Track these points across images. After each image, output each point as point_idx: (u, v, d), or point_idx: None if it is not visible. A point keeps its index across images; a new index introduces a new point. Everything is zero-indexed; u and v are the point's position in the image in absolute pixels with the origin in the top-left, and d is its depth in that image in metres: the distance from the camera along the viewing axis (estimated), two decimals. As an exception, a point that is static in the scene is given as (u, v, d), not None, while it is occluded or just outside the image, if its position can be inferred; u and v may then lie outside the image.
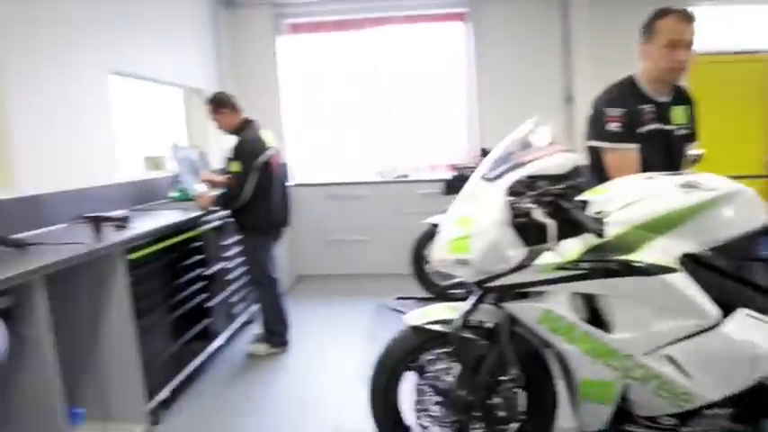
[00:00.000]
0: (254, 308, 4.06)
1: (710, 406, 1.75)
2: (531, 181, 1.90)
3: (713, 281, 1.76)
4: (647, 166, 2.26)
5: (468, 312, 1.90)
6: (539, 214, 1.75)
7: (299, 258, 5.60)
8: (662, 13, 2.29)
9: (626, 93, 2.36)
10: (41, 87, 3.13)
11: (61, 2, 3.31)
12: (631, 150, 2.28)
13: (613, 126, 2.29)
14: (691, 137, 2.50)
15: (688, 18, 2.26)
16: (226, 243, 3.85)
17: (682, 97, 2.47)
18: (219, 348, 3.70)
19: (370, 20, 5.87)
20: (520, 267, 1.73)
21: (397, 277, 4.98)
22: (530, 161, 1.84)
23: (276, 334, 3.74)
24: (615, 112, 2.29)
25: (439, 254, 1.87)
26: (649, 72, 2.36)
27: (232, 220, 3.71)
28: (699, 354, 1.69)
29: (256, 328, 3.93)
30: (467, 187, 1.95)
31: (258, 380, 3.36)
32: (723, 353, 1.68)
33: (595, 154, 2.40)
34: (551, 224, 1.71)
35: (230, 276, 3.88)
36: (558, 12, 5.54)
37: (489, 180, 1.85)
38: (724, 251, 1.77)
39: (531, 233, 1.79)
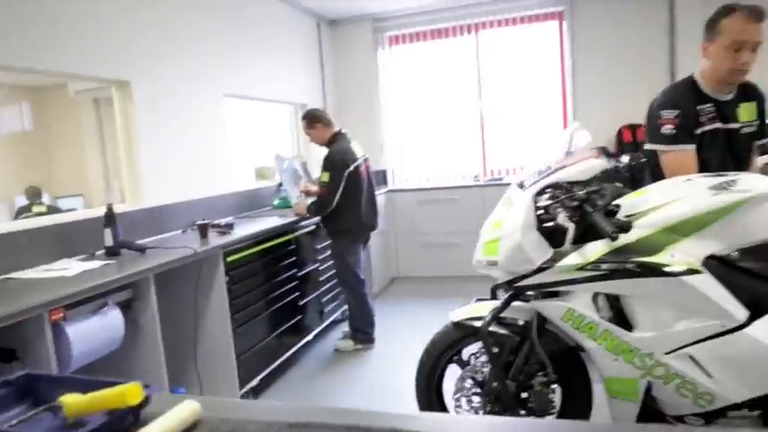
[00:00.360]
0: (344, 307, 4.40)
1: (736, 408, 1.75)
2: (571, 186, 2.01)
3: (743, 283, 1.75)
4: (710, 166, 2.23)
5: (499, 310, 2.04)
6: (562, 218, 1.85)
7: (393, 261, 5.89)
8: (728, 11, 2.18)
9: (683, 93, 2.32)
10: (163, 111, 3.67)
11: (181, 33, 3.86)
12: (687, 152, 2.25)
13: (668, 128, 2.26)
14: (758, 134, 2.41)
15: (756, 17, 2.14)
16: (318, 247, 4.23)
17: (749, 93, 2.37)
18: (310, 343, 4.08)
19: (466, 26, 6.04)
20: (544, 268, 1.85)
21: (488, 279, 5.08)
22: (560, 168, 1.95)
23: (362, 332, 4.04)
24: (670, 113, 2.27)
25: (475, 255, 2.04)
26: (710, 72, 2.28)
27: (323, 225, 4.08)
28: (722, 355, 1.71)
29: (345, 326, 4.25)
30: (507, 193, 2.10)
31: (342, 373, 3.68)
32: (748, 355, 1.68)
33: (654, 157, 2.40)
34: (570, 227, 1.82)
35: (322, 277, 4.25)
36: (664, 3, 5.36)
37: (523, 186, 1.99)
38: (757, 253, 1.77)
39: (558, 236, 1.90)
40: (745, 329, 1.69)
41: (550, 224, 1.93)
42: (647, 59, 5.41)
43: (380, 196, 5.73)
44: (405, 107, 6.35)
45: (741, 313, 1.71)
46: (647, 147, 2.40)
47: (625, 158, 2.54)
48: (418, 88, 6.29)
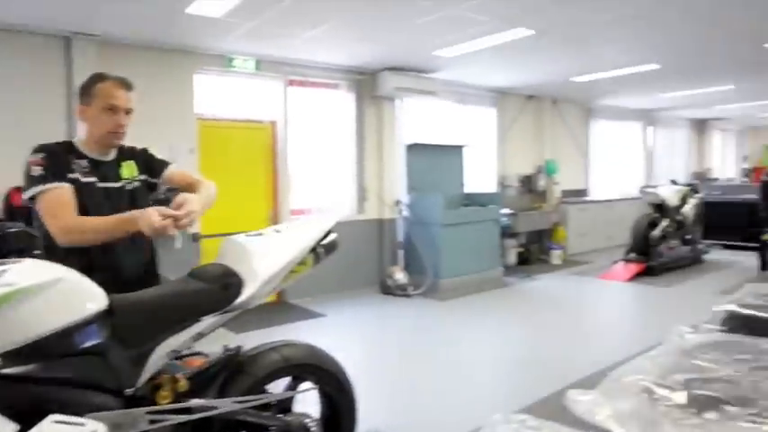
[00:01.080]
0: None
1: None
2: None
3: (10, 392, 1.50)
4: None
5: None
6: None
7: None
8: (100, 78, 2.30)
9: (57, 146, 2.24)
10: None
11: None
12: (62, 188, 2.11)
13: (37, 169, 2.11)
14: (149, 187, 2.47)
15: (125, 85, 2.31)
16: None
17: (126, 154, 2.44)
18: None
19: None
20: None
21: None
22: None
23: None
24: (36, 156, 2.15)
25: None
26: (89, 135, 2.31)
27: None
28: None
29: None
30: None
31: None
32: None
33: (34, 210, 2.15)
34: None
35: None
36: (62, 58, 5.16)
37: None
38: (25, 354, 1.54)
39: None
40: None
41: None
42: (44, 117, 5.03)
43: None
44: None
45: (8, 429, 1.44)
46: (25, 196, 2.15)
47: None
48: None
